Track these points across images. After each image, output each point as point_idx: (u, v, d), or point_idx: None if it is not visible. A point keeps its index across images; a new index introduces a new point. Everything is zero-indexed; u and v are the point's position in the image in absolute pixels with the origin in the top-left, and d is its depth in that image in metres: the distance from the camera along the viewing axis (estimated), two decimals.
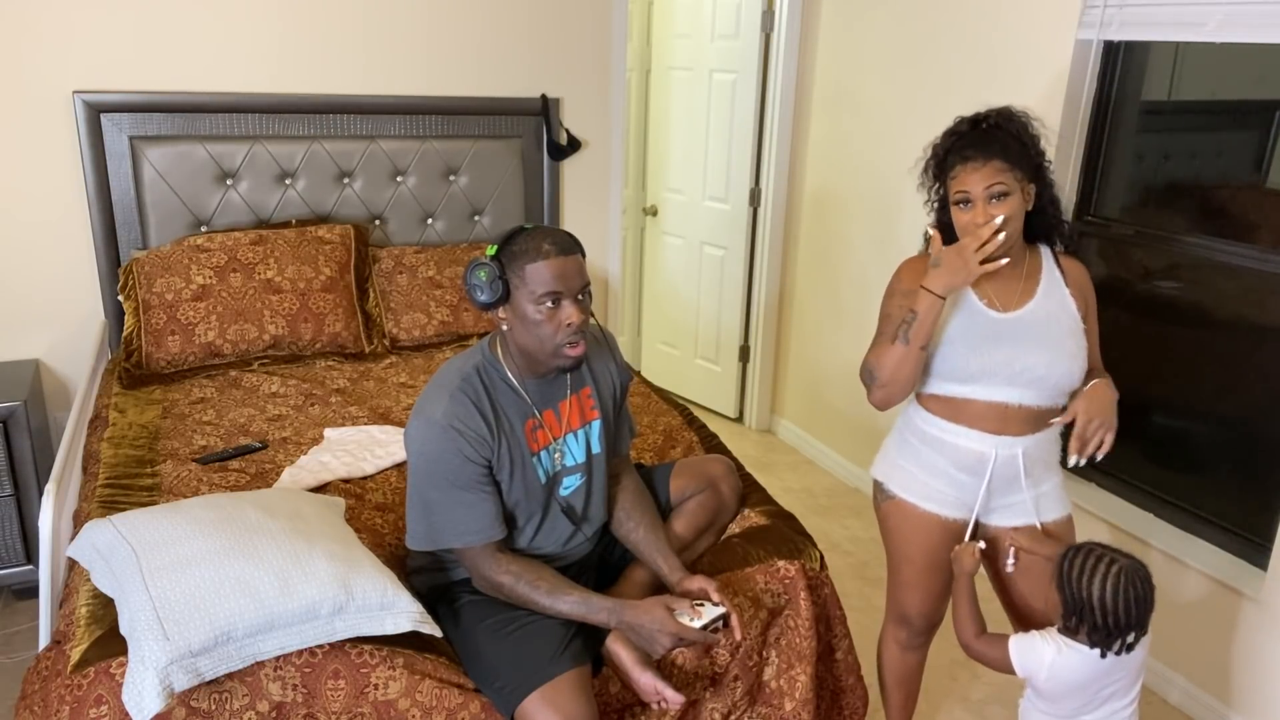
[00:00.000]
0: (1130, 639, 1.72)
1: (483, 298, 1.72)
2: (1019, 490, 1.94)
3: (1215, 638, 2.55)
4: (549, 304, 1.70)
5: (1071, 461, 1.84)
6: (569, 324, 1.72)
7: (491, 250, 1.72)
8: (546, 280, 1.69)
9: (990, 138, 1.82)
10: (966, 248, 1.80)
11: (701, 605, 1.76)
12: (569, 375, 1.88)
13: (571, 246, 1.73)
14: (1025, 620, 2.07)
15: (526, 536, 1.85)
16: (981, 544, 1.96)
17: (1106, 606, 1.69)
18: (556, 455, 1.86)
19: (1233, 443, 2.58)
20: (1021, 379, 1.87)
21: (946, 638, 2.89)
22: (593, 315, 1.83)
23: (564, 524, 1.89)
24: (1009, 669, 1.83)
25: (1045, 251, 1.95)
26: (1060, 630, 1.78)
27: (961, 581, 1.94)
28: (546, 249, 1.70)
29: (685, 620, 1.72)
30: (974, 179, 1.80)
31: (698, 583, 1.82)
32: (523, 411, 1.81)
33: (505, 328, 1.77)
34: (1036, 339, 1.87)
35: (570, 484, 1.89)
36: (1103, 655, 1.73)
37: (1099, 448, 1.83)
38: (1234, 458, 2.58)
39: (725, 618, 1.76)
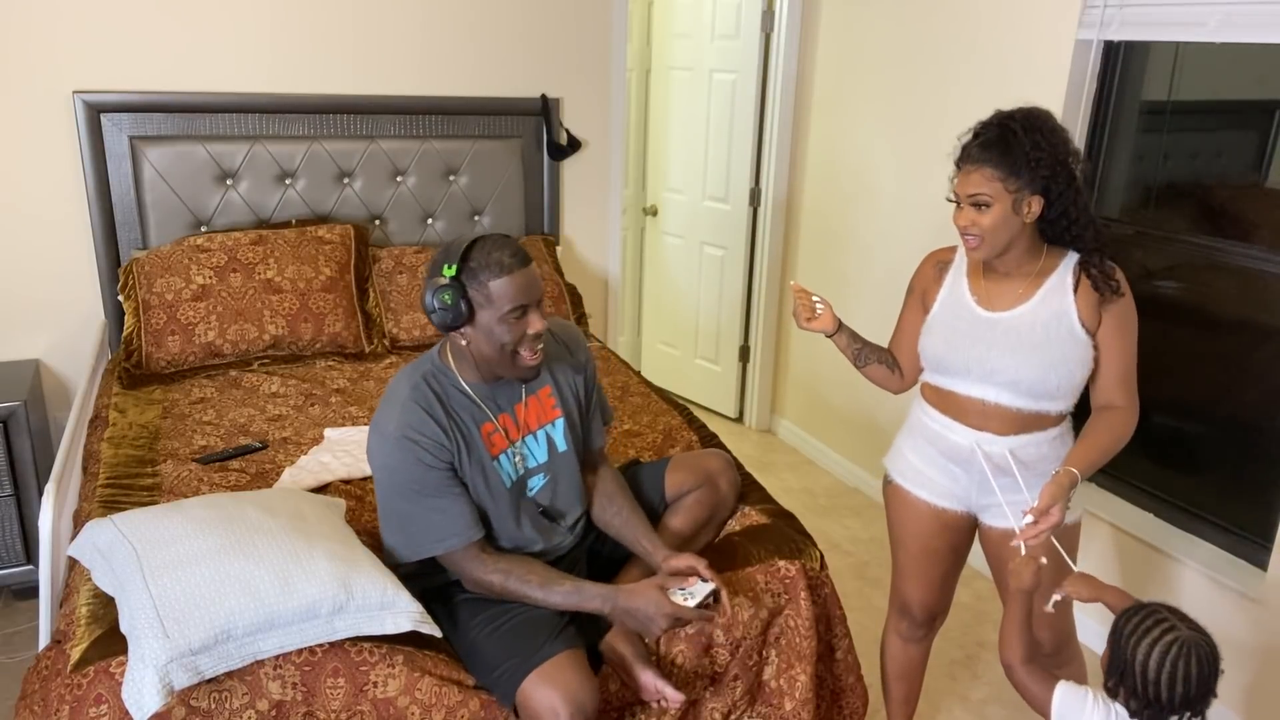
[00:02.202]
0: None
1: (447, 321, 1.68)
2: (1017, 489, 1.94)
3: (1215, 637, 2.54)
4: (515, 318, 1.70)
5: (1015, 544, 1.78)
6: (534, 333, 1.72)
7: (450, 270, 1.67)
8: (512, 295, 1.68)
9: (1001, 142, 1.78)
10: (798, 315, 2.03)
11: (692, 583, 1.76)
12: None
13: (527, 256, 1.71)
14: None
15: (506, 537, 1.85)
16: (1049, 605, 1.77)
17: (1148, 676, 1.49)
18: (518, 459, 1.85)
19: (1233, 442, 2.58)
20: (994, 379, 1.88)
21: (947, 637, 2.89)
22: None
23: (540, 523, 1.89)
24: (1044, 712, 1.67)
25: (1071, 257, 1.89)
26: (1104, 687, 1.61)
27: (1016, 599, 1.72)
28: (508, 262, 1.67)
29: (679, 600, 1.71)
30: (963, 183, 1.82)
31: (685, 560, 1.80)
32: (477, 416, 1.80)
33: (465, 342, 1.74)
34: (1014, 342, 1.86)
35: (535, 484, 1.89)
36: None
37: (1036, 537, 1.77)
38: (1234, 457, 2.58)
39: (716, 593, 1.75)
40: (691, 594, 1.73)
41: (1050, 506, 1.75)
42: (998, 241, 1.82)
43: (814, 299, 2.03)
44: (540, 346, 1.76)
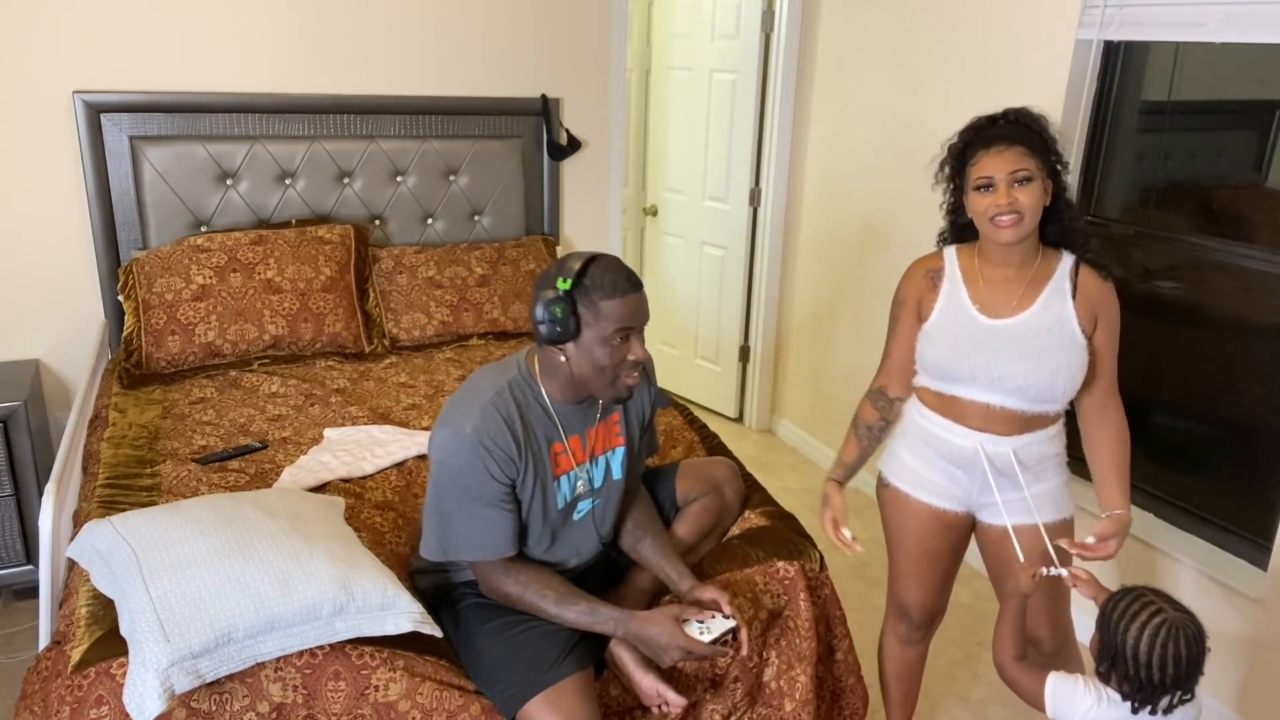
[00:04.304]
0: (1166, 701, 1.55)
1: (553, 334, 1.66)
2: (1017, 488, 1.94)
3: (1215, 638, 2.54)
4: (619, 340, 1.69)
5: (1050, 571, 1.79)
6: (633, 359, 1.71)
7: (565, 284, 1.65)
8: (622, 317, 1.67)
9: (1012, 129, 1.84)
10: (825, 526, 2.02)
11: (711, 616, 1.75)
12: (601, 402, 1.85)
13: (639, 281, 1.72)
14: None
15: (538, 552, 1.84)
16: (1046, 570, 1.80)
17: (1140, 659, 1.53)
18: (579, 482, 1.85)
19: (1232, 442, 2.59)
20: (1000, 386, 1.88)
21: (947, 637, 2.89)
22: None
23: (576, 542, 1.88)
24: (1039, 705, 1.69)
25: (1065, 260, 1.91)
26: (1095, 673, 1.65)
27: (1012, 600, 1.77)
28: (623, 285, 1.67)
29: (694, 633, 1.71)
30: (997, 163, 1.80)
31: (709, 593, 1.79)
32: (550, 434, 1.79)
33: (562, 359, 1.72)
34: (1020, 349, 1.86)
35: (584, 508, 1.88)
36: (1134, 711, 1.57)
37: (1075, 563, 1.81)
38: (1234, 457, 2.59)
39: (735, 630, 1.75)
40: (709, 628, 1.72)
41: (1111, 538, 1.82)
42: (1033, 220, 1.82)
43: (845, 533, 2.02)
44: (638, 373, 1.74)
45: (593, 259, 1.70)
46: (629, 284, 1.68)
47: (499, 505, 1.72)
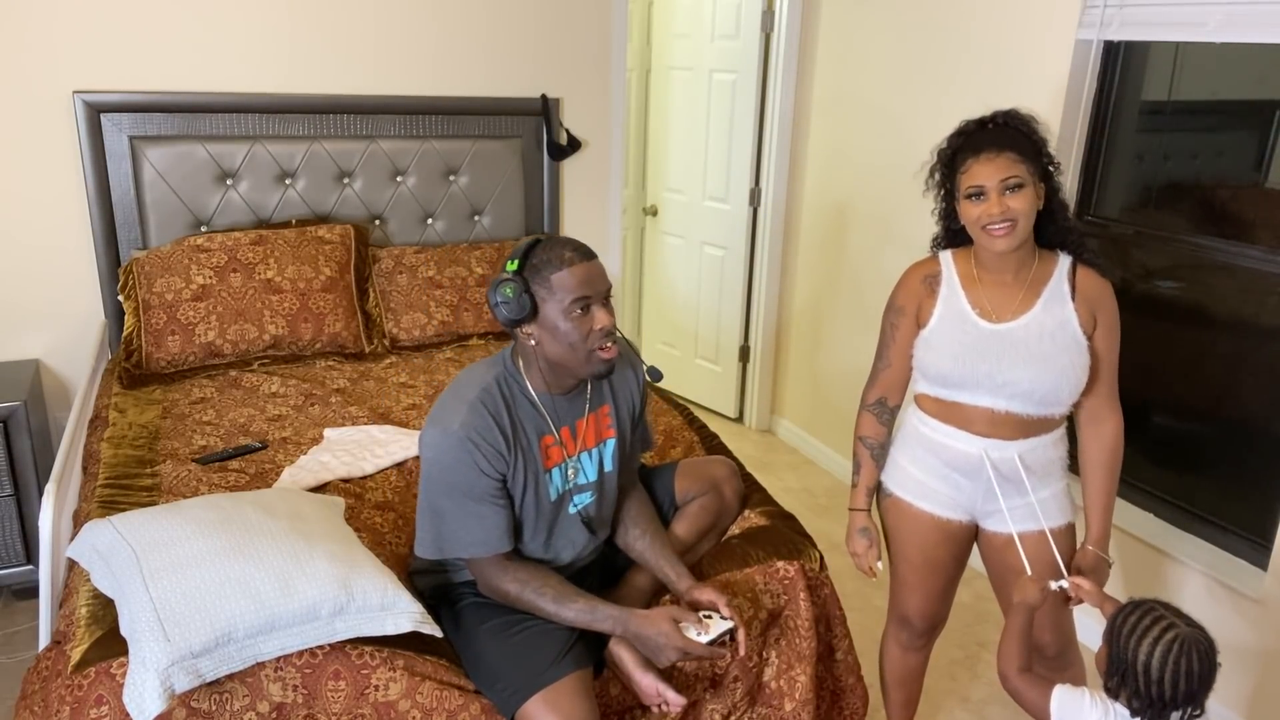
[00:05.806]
0: (1177, 717, 1.53)
1: (511, 314, 1.67)
2: (1022, 494, 1.94)
3: (1221, 642, 2.53)
4: (579, 311, 1.68)
5: (1055, 585, 1.80)
6: (600, 328, 1.70)
7: (512, 265, 1.68)
8: (574, 287, 1.67)
9: (1001, 134, 1.82)
10: (857, 559, 2.06)
11: (709, 617, 1.75)
12: (589, 393, 1.85)
13: (590, 250, 1.71)
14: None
15: (534, 547, 1.84)
16: (1053, 584, 1.80)
17: (1151, 674, 1.50)
18: (570, 473, 1.84)
19: (1232, 443, 2.59)
20: (1005, 391, 1.86)
21: (947, 638, 2.89)
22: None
23: (571, 535, 1.88)
24: (1044, 718, 1.66)
25: (1063, 262, 1.89)
26: (1104, 688, 1.61)
27: (1018, 613, 1.75)
28: (569, 256, 1.68)
29: (692, 635, 1.71)
30: (987, 171, 1.78)
31: (707, 594, 1.79)
32: (540, 428, 1.79)
33: (533, 343, 1.72)
34: (1024, 353, 1.85)
35: (580, 501, 1.88)
36: None
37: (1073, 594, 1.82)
38: (1234, 458, 2.58)
39: (733, 631, 1.75)
40: (706, 629, 1.73)
41: (1089, 577, 1.88)
42: (1027, 226, 1.81)
43: (877, 564, 2.07)
44: (612, 342, 1.73)
45: (538, 239, 1.71)
46: (577, 254, 1.69)
47: (491, 501, 1.72)
